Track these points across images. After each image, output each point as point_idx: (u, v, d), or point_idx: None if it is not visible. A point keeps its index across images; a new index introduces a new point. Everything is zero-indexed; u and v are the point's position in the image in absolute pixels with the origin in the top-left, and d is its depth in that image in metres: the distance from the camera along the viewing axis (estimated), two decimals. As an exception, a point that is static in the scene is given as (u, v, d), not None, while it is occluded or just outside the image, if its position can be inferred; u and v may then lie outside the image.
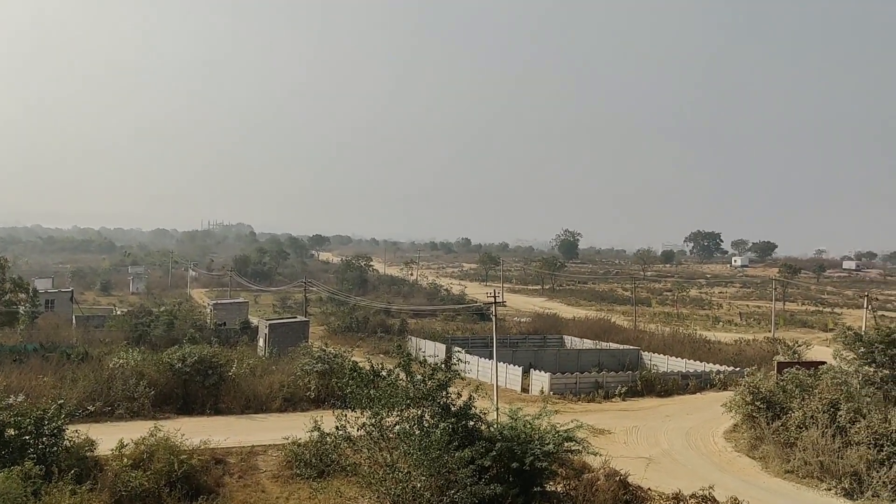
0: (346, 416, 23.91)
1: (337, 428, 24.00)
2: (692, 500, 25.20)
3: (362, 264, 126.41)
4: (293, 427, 29.13)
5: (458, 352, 55.53)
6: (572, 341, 69.12)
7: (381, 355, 52.05)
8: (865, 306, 79.87)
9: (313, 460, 27.13)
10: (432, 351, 55.58)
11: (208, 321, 66.60)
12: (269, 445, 30.84)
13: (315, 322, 74.84)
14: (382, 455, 23.16)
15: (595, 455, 26.45)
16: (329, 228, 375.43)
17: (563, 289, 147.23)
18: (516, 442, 24.52)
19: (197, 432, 28.87)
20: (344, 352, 43.83)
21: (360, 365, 26.28)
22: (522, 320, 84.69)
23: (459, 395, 24.43)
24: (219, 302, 76.17)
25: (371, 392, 23.49)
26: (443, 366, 25.79)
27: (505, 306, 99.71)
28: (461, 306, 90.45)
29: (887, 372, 36.77)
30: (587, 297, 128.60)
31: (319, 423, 25.30)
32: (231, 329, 62.11)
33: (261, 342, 55.46)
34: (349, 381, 24.58)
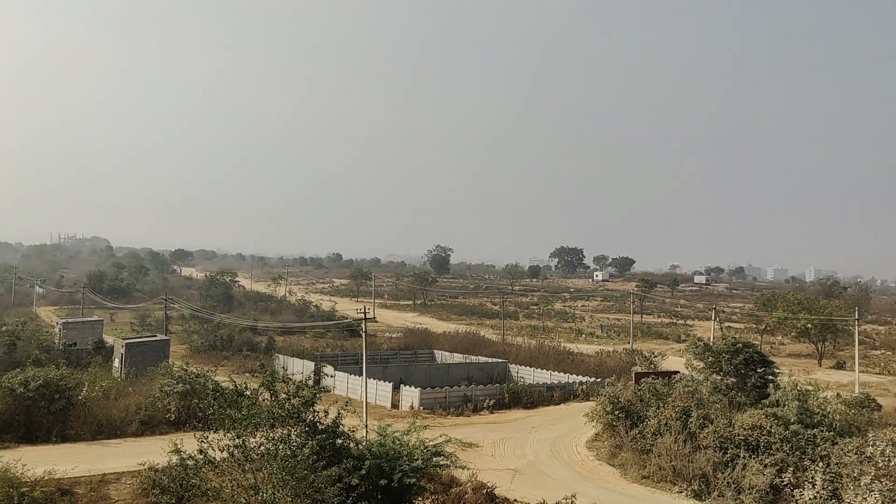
0: (207, 438, 22.90)
1: (198, 451, 22.95)
2: (556, 509, 25.85)
3: (227, 280, 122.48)
4: (151, 452, 27.61)
5: (323, 367, 54.79)
6: (443, 356, 69.72)
7: (247, 374, 50.50)
8: (713, 318, 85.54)
9: (172, 486, 25.75)
10: (300, 369, 54.41)
11: (57, 341, 62.20)
12: (123, 473, 29.07)
13: (177, 340, 71.61)
14: (246, 477, 22.33)
15: (463, 469, 26.70)
16: (193, 243, 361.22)
17: (435, 304, 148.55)
18: (385, 459, 24.33)
19: (41, 462, 26.84)
20: (207, 371, 42.01)
21: (224, 385, 25.30)
22: (393, 336, 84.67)
23: (327, 412, 24.00)
24: (69, 320, 71.29)
25: (233, 413, 22.63)
26: (309, 383, 25.22)
27: (376, 322, 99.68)
28: (331, 323, 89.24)
29: (733, 380, 39.43)
30: (458, 312, 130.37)
31: (179, 446, 24.10)
32: (83, 349, 58.28)
33: (116, 363, 52.40)
34: (211, 401, 23.58)
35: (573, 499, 26.19)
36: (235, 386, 24.08)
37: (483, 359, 65.54)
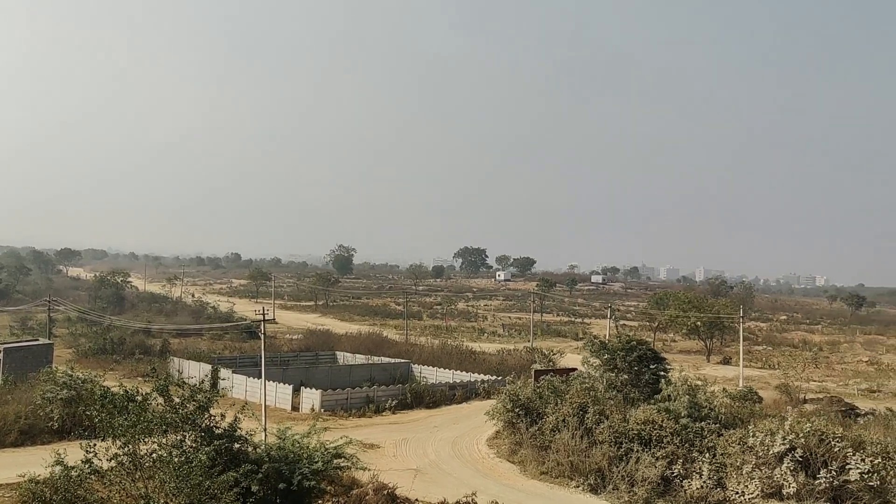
0: (94, 446, 21.80)
1: (84, 460, 21.80)
2: (456, 507, 26.03)
3: (119, 280, 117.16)
4: (31, 463, 25.96)
5: (218, 370, 53.35)
6: (345, 357, 69.07)
7: (140, 378, 48.44)
8: (609, 317, 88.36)
9: (55, 498, 24.30)
10: (196, 372, 52.68)
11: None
12: (1, 485, 27.35)
13: (62, 345, 68.03)
14: (136, 486, 21.40)
15: (364, 470, 26.54)
16: (81, 242, 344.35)
17: (337, 304, 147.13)
18: (284, 462, 23.89)
19: None
20: (95, 376, 40.09)
21: (113, 390, 24.15)
22: (294, 337, 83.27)
23: (223, 416, 23.33)
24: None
25: (121, 420, 21.63)
26: (205, 387, 24.44)
27: (276, 323, 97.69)
28: (229, 324, 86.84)
29: (626, 376, 40.83)
30: (361, 312, 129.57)
31: (63, 455, 22.81)
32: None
33: (-6, 369, 49.24)
34: (99, 408, 22.47)
35: (473, 497, 26.43)
36: (125, 391, 23.05)
37: (386, 359, 65.34)
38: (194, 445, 21.94)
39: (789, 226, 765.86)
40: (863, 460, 27.86)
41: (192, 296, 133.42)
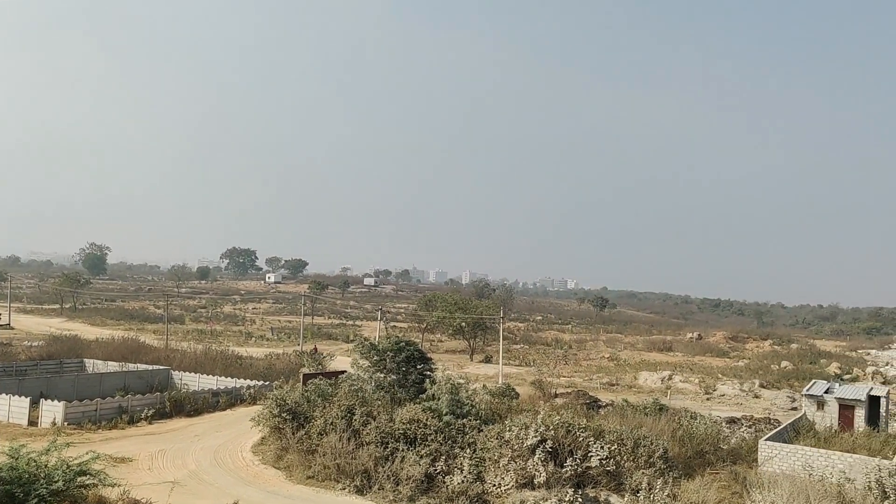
0: None
1: None
2: (216, 519, 24.89)
3: None
4: None
5: None
6: (95, 365, 63.47)
7: None
8: (379, 318, 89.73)
9: None
10: None
11: None
12: None
13: None
14: None
15: (114, 486, 24.46)
16: None
17: (88, 308, 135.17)
18: (17, 483, 21.36)
19: None
20: None
21: None
22: (34, 344, 75.06)
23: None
24: None
25: None
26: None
27: (11, 329, 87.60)
28: (-45, 330, 76.40)
29: (394, 377, 41.61)
30: (115, 317, 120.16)
31: None
32: None
33: None
34: None
35: (235, 506, 25.46)
36: None
37: (143, 366, 60.97)
38: None
39: (545, 232, 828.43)
40: (602, 447, 30.71)
41: None
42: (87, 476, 23.20)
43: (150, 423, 44.81)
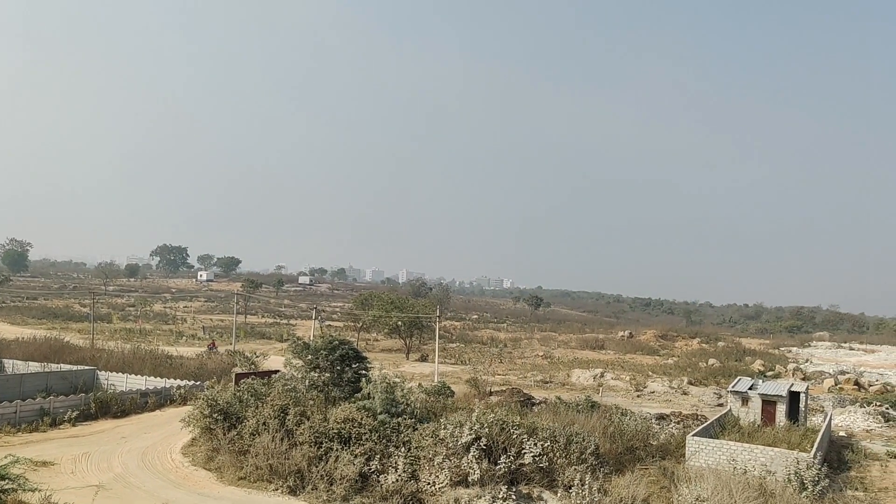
0: None
1: None
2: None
3: None
4: None
5: None
6: (14, 365, 61.01)
7: None
8: (314, 317, 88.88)
9: None
10: None
11: None
12: None
13: None
14: None
15: (34, 491, 23.53)
16: None
17: (8, 306, 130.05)
18: (-71, 490, 20.37)
19: None
20: None
21: None
22: (-51, 344, 71.68)
23: None
24: None
25: None
26: None
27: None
28: None
29: (329, 375, 41.24)
30: (37, 315, 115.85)
31: None
32: None
33: None
34: None
35: (163, 510, 24.84)
36: None
37: (67, 366, 58.87)
38: None
39: (482, 232, 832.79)
40: (535, 444, 31.09)
41: None
42: (6, 481, 22.27)
43: (73, 426, 43.35)
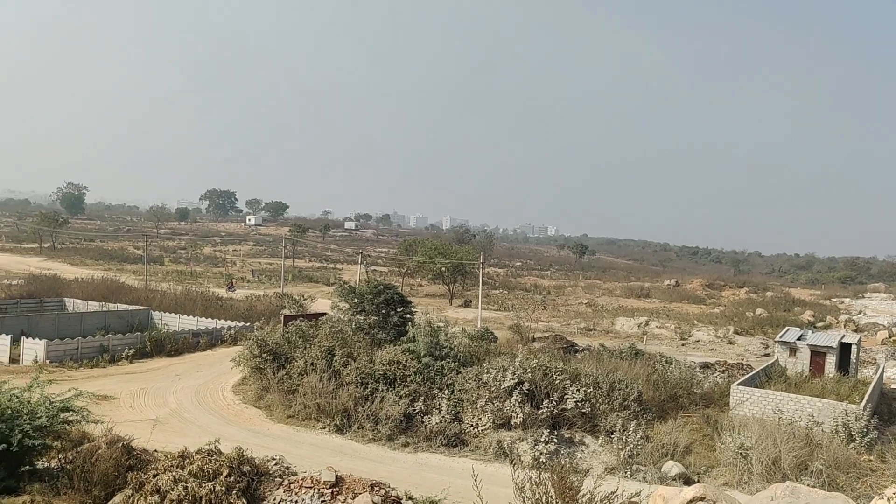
0: None
1: None
2: (198, 455, 25.20)
3: None
4: None
5: None
6: (75, 304, 63.35)
7: None
8: (360, 262, 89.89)
9: None
10: None
11: None
12: None
13: None
14: None
15: (97, 423, 24.65)
16: None
17: (67, 247, 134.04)
18: (0, 419, 21.49)
19: None
20: None
21: None
22: (14, 283, 74.59)
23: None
24: None
25: None
26: None
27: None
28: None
29: (374, 318, 41.93)
30: (94, 256, 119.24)
31: None
32: None
33: None
34: None
35: (216, 443, 25.74)
36: None
37: (123, 306, 60.95)
38: None
39: (527, 179, 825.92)
40: (578, 390, 31.33)
41: None
42: (71, 412, 23.37)
43: (130, 363, 45.02)
